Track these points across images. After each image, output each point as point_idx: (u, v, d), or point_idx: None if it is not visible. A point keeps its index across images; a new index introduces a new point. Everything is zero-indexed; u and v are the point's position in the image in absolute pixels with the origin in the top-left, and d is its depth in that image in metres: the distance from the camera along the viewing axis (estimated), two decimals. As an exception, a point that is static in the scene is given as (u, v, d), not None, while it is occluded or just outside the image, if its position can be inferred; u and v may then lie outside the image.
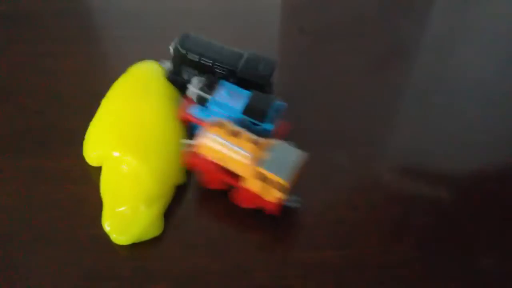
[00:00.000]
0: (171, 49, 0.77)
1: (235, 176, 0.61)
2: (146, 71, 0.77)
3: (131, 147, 0.65)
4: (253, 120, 0.65)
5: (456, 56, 0.96)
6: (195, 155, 0.62)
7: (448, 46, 0.99)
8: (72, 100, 0.80)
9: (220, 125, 0.60)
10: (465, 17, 1.05)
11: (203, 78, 0.68)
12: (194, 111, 0.68)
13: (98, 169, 0.68)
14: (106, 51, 0.91)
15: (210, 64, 0.72)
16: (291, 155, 0.60)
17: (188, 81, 0.76)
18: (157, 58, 0.90)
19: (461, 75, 0.91)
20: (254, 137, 0.61)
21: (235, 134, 0.60)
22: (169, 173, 0.66)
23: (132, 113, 0.69)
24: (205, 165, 0.62)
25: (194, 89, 0.68)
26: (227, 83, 0.69)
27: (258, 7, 1.06)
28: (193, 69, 0.74)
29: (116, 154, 0.65)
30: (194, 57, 0.74)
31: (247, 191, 0.61)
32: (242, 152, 0.59)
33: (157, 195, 0.63)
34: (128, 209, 0.62)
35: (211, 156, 0.61)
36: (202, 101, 0.68)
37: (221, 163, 0.61)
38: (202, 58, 0.74)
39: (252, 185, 0.60)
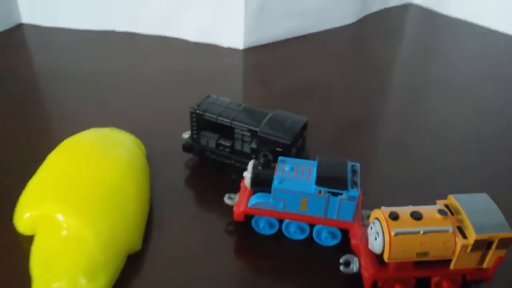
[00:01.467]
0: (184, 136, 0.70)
1: (432, 265, 0.51)
2: (101, 133, 0.69)
3: (72, 205, 0.53)
4: (334, 190, 0.54)
5: (423, 118, 0.89)
6: (381, 270, 0.51)
7: (412, 111, 0.91)
8: (2, 164, 0.67)
9: (393, 217, 0.49)
10: (427, 78, 1.01)
11: (257, 161, 0.58)
12: (258, 201, 0.57)
13: (30, 240, 0.53)
14: (47, 115, 0.80)
15: (229, 124, 0.64)
16: (483, 202, 0.52)
17: (206, 147, 0.68)
18: (103, 121, 0.79)
19: (426, 136, 0.84)
20: (432, 207, 0.51)
21: (417, 217, 0.49)
22: (119, 238, 0.54)
23: (78, 171, 0.58)
24: (399, 271, 0.51)
25: (250, 174, 0.57)
26: (286, 158, 0.58)
27: (223, 65, 1.00)
28: (212, 132, 0.67)
29: (54, 214, 0.53)
30: (211, 117, 0.66)
31: (454, 272, 0.51)
32: (441, 229, 0.49)
33: (103, 265, 0.50)
34: (65, 283, 0.47)
35: (405, 257, 0.49)
36: (264, 185, 0.57)
37: (419, 258, 0.49)
38: (220, 118, 0.65)
39: (467, 261, 0.50)
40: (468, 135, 0.83)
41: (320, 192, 0.55)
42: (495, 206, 0.52)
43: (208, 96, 0.69)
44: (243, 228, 0.61)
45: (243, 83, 0.98)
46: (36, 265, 0.50)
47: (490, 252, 0.50)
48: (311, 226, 0.59)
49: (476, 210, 0.51)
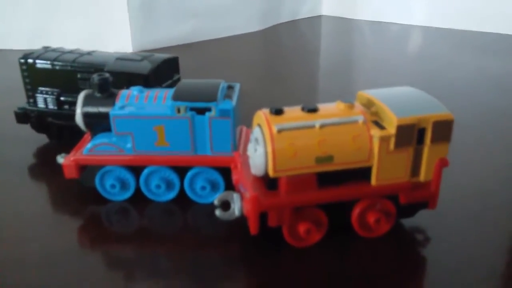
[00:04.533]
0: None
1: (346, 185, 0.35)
2: None
3: None
4: (198, 103, 0.38)
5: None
6: (269, 194, 0.34)
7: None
8: None
9: (275, 111, 0.34)
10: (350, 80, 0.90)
11: (90, 90, 0.42)
12: (97, 142, 0.40)
13: None
14: None
15: (69, 68, 0.49)
16: (406, 91, 0.37)
17: (45, 110, 0.51)
18: None
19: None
20: (333, 103, 0.35)
21: (311, 108, 0.34)
22: None
23: None
24: (296, 195, 0.33)
25: (83, 108, 0.41)
26: (132, 88, 0.42)
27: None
28: (50, 87, 0.50)
29: None
30: (46, 63, 0.49)
31: (379, 192, 0.35)
32: (347, 121, 0.33)
33: None
34: None
35: (299, 166, 0.32)
36: (102, 119, 0.40)
37: (321, 166, 0.33)
38: (57, 62, 0.49)
39: (395, 169, 0.34)
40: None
41: (179, 110, 0.38)
42: (424, 93, 0.37)
43: (47, 47, 0.53)
44: (90, 199, 0.42)
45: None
46: None
47: (426, 150, 0.34)
48: (181, 177, 0.41)
49: (396, 97, 0.36)
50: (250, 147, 0.34)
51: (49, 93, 0.50)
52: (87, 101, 0.40)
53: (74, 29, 0.94)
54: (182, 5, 0.98)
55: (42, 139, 0.54)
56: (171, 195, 0.41)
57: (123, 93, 0.40)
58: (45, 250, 0.36)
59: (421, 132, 0.33)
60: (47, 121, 0.51)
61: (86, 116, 0.40)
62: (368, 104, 0.36)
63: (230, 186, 0.40)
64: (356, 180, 0.34)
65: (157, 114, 0.38)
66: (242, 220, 0.35)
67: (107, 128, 0.40)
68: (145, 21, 0.94)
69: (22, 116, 0.52)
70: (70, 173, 0.40)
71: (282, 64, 0.92)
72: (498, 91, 0.72)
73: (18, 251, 0.36)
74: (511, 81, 0.78)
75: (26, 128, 0.53)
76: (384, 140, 0.33)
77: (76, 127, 0.49)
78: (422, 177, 0.35)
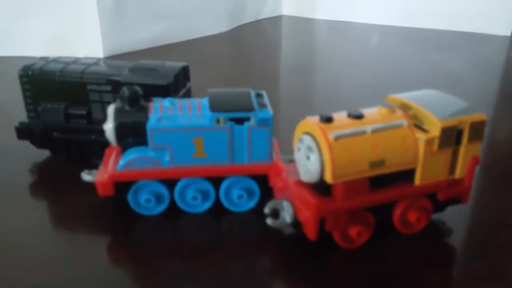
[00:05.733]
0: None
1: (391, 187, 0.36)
2: None
3: None
4: (238, 113, 0.38)
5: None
6: (326, 201, 0.35)
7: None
8: None
9: (325, 119, 0.34)
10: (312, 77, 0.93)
11: (119, 103, 0.40)
12: (132, 157, 0.39)
13: None
14: None
15: (78, 79, 0.47)
16: (434, 94, 0.40)
17: (51, 124, 0.48)
18: None
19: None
20: (374, 108, 0.37)
21: (357, 115, 0.35)
22: None
23: None
24: (351, 199, 0.35)
25: (113, 122, 0.39)
26: (162, 98, 0.41)
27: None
28: (58, 101, 0.48)
29: None
30: (50, 75, 0.46)
31: (421, 191, 0.37)
32: (393, 125, 0.35)
33: None
34: None
35: (355, 171, 0.34)
36: (136, 133, 0.39)
37: (374, 171, 0.35)
38: (63, 74, 0.46)
39: (436, 168, 0.36)
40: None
41: (219, 121, 0.38)
42: (451, 96, 0.39)
43: (45, 57, 0.50)
44: (120, 214, 0.41)
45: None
46: None
47: (462, 150, 0.37)
48: (216, 187, 0.41)
49: (430, 100, 0.38)
50: (300, 155, 0.35)
51: (56, 106, 0.47)
52: (119, 115, 0.39)
53: (40, 32, 0.89)
54: (152, 8, 0.96)
55: (39, 155, 0.51)
56: (207, 205, 0.41)
57: (155, 105, 0.40)
58: (72, 273, 0.35)
59: (459, 133, 0.36)
60: (52, 136, 0.49)
61: (119, 130, 0.39)
62: (403, 108, 0.38)
63: (265, 193, 0.41)
64: (398, 181, 0.36)
65: (196, 126, 0.38)
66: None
67: (138, 142, 0.39)
68: (116, 24, 0.91)
69: (24, 132, 0.49)
70: (105, 190, 0.39)
71: (248, 63, 0.93)
72: (450, 82, 0.79)
73: (46, 276, 0.35)
74: (461, 73, 0.85)
75: (22, 144, 0.50)
76: (429, 142, 0.35)
77: (84, 141, 0.48)
78: (457, 174, 0.37)
